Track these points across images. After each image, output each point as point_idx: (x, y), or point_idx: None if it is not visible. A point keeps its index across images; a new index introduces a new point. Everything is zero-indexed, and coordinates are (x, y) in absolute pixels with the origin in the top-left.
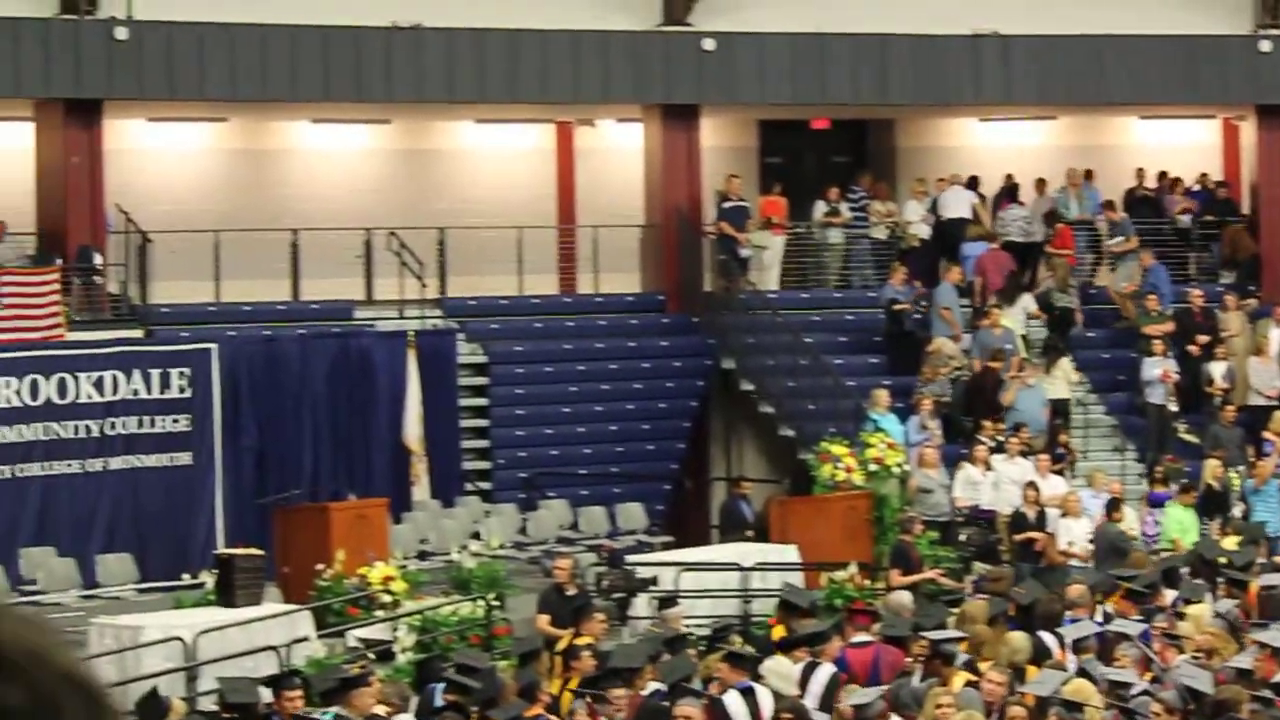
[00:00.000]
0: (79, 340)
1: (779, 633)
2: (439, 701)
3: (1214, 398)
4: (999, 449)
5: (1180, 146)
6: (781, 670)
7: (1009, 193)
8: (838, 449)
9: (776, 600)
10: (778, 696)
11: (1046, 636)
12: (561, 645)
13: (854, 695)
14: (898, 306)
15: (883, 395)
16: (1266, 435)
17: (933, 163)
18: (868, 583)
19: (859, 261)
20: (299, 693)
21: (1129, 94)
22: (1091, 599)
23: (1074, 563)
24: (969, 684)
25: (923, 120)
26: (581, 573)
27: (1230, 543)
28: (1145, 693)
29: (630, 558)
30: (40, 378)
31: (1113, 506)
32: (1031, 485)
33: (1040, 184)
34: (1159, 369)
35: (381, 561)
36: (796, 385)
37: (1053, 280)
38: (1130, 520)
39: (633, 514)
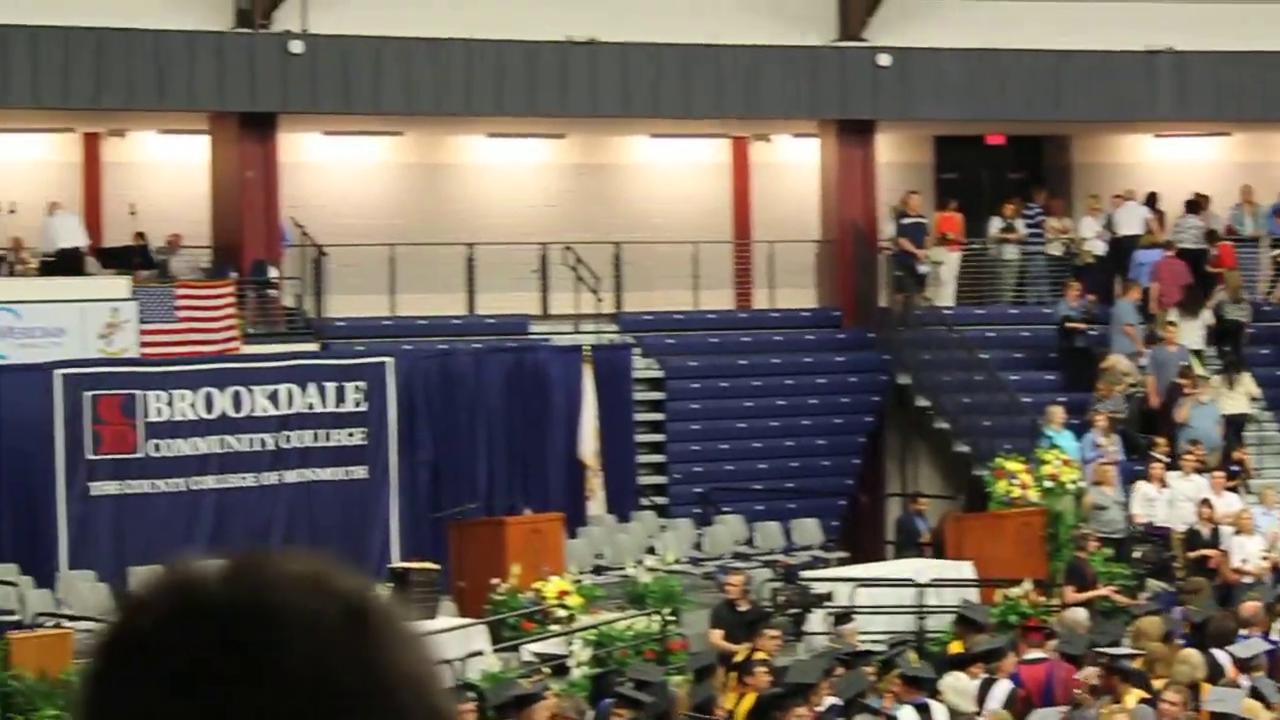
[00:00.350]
0: (254, 354)
1: (957, 649)
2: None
3: None
4: (1174, 465)
5: None
6: (959, 686)
7: (1192, 207)
8: (1013, 465)
9: (952, 616)
10: (954, 713)
11: (1219, 654)
12: (737, 660)
13: (1033, 717)
14: (1071, 324)
15: (1058, 412)
16: None
17: (1108, 179)
18: (1042, 599)
19: (1034, 278)
20: (471, 706)
21: None
22: (1266, 616)
23: (1247, 580)
24: (1142, 701)
25: (1098, 136)
26: (754, 588)
27: None
28: None
29: (805, 573)
30: (215, 391)
31: None
32: (1206, 502)
33: (1204, 200)
34: None
35: (557, 576)
36: (972, 401)
37: (1225, 293)
38: None
39: (808, 529)
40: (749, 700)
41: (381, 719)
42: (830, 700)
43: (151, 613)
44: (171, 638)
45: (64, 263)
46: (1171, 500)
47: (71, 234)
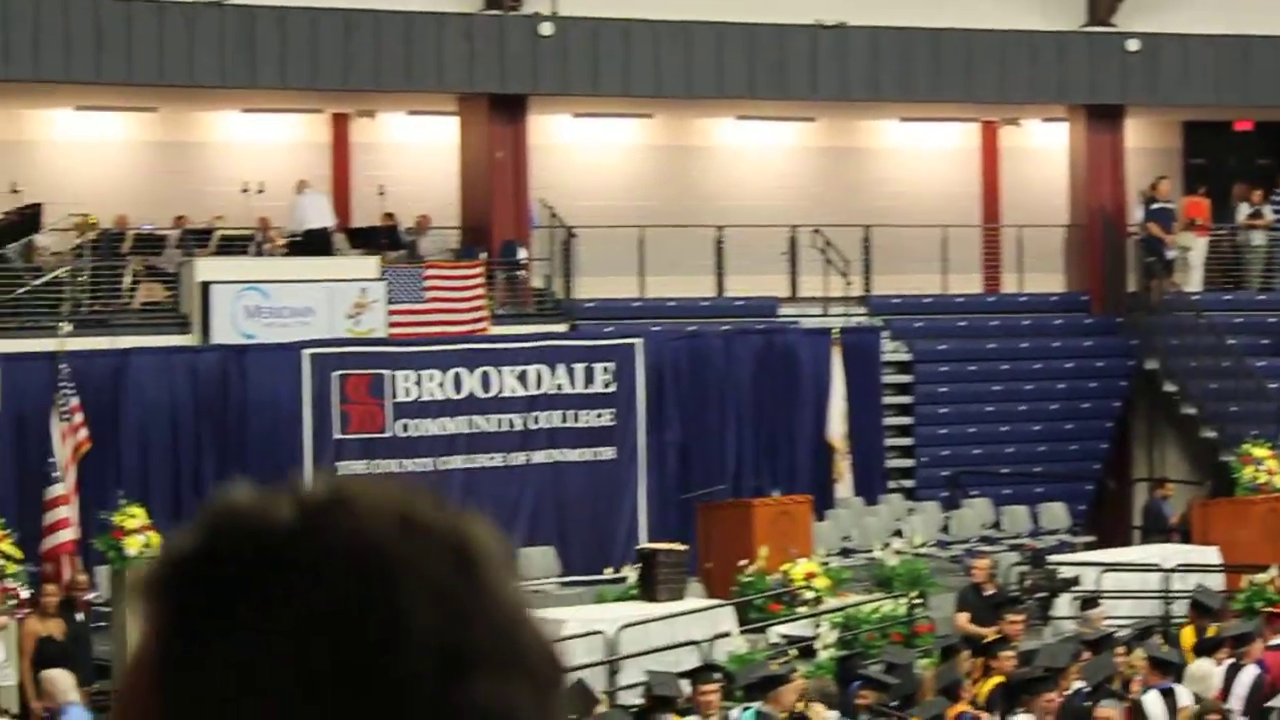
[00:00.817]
0: (503, 334)
1: (1188, 634)
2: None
3: None
4: None
5: None
6: (1201, 672)
7: None
8: (1259, 451)
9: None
10: (1198, 698)
11: None
12: (985, 643)
13: (1277, 702)
14: None
15: None
16: None
17: None
18: None
19: None
20: (715, 687)
21: None
22: None
23: None
24: None
25: None
26: (1001, 572)
27: None
28: None
29: (1052, 557)
30: (464, 371)
31: None
32: None
33: None
34: None
35: (804, 558)
36: (1219, 387)
37: None
38: None
39: (1055, 513)
40: (992, 683)
41: (512, 673)
42: (1077, 684)
43: (225, 572)
44: (262, 605)
45: (311, 242)
46: None
47: (320, 214)
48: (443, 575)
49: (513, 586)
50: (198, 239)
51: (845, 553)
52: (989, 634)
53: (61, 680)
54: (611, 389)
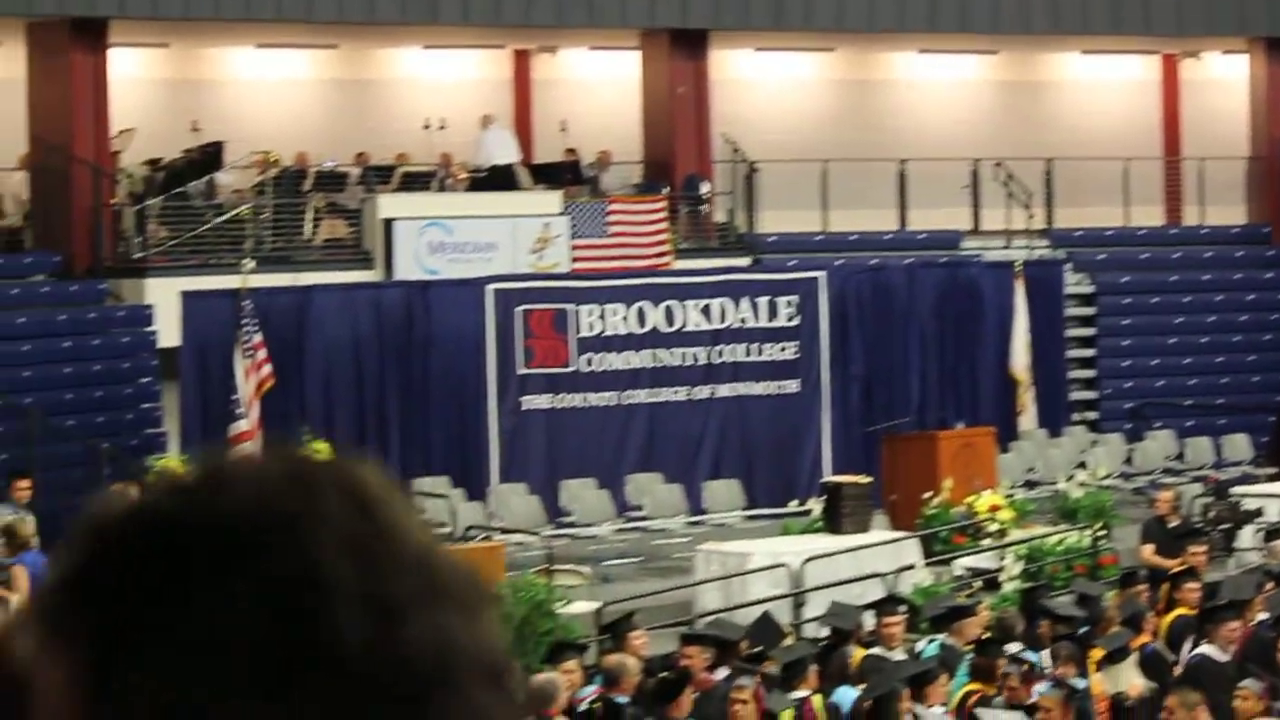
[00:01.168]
0: (686, 269)
1: None
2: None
3: None
4: None
5: None
6: None
7: None
8: None
9: None
10: None
11: None
12: (1172, 573)
13: None
14: None
15: None
16: None
17: None
18: None
19: None
20: (900, 619)
21: None
22: None
23: None
24: None
25: None
26: (1184, 504)
27: None
28: None
29: (1236, 489)
30: (647, 305)
31: None
32: None
33: None
34: None
35: (988, 490)
36: None
37: None
38: None
39: (1238, 445)
40: (1176, 614)
41: (440, 605)
42: (1261, 615)
43: (125, 585)
44: (171, 610)
45: (494, 178)
46: None
47: (505, 149)
48: (347, 524)
49: (415, 520)
50: (379, 175)
51: (1029, 484)
52: (1173, 566)
53: None
54: (795, 322)
